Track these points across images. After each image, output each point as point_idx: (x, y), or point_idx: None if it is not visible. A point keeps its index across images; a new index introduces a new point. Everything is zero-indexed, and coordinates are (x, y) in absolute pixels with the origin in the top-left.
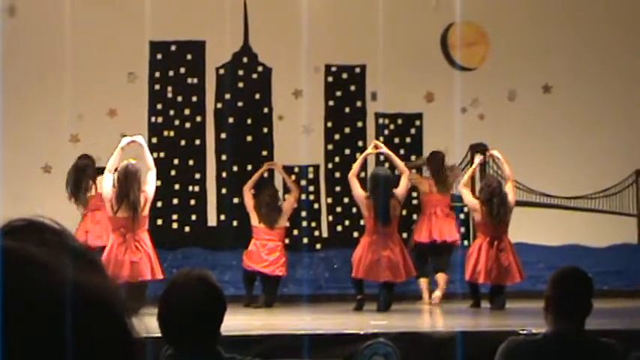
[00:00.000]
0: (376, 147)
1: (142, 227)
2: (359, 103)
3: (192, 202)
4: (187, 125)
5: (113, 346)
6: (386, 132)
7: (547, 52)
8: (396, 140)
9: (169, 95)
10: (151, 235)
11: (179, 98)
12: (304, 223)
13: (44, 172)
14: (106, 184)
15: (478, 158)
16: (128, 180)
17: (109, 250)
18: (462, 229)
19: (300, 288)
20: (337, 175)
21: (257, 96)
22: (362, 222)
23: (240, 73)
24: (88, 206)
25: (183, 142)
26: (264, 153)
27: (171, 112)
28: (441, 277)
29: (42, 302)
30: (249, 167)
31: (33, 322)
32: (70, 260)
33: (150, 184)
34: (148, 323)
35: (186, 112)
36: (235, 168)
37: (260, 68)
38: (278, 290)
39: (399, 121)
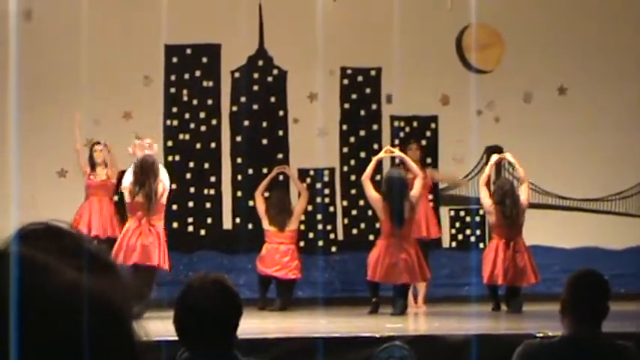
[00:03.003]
0: (388, 151)
1: (157, 214)
2: (374, 106)
3: (208, 205)
4: (203, 128)
5: (119, 349)
6: (401, 134)
7: (562, 53)
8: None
9: (185, 98)
10: (167, 227)
11: (194, 101)
12: (319, 226)
13: (60, 177)
14: (127, 175)
15: (493, 158)
16: (144, 170)
17: (124, 233)
18: (477, 232)
19: (316, 291)
20: (352, 177)
21: (272, 99)
22: (377, 225)
23: (256, 76)
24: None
25: (198, 145)
26: (280, 156)
27: (187, 116)
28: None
29: (53, 308)
30: (265, 170)
31: (44, 328)
32: (83, 264)
33: (166, 177)
34: (162, 326)
35: (202, 115)
36: (251, 171)
37: (275, 71)
38: (293, 293)
39: (415, 124)
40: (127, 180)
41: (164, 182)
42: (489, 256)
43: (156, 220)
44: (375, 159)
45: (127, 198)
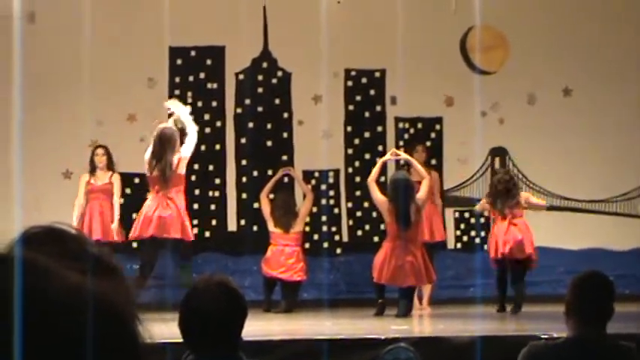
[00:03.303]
0: (394, 154)
1: (175, 186)
2: (379, 108)
3: (213, 207)
4: (207, 130)
5: (122, 352)
6: (406, 136)
7: (567, 55)
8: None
9: (189, 100)
10: (187, 198)
11: (199, 103)
12: (324, 228)
13: (64, 178)
14: (148, 149)
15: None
16: (162, 143)
17: (143, 207)
18: (482, 233)
19: (321, 293)
20: (357, 179)
21: (277, 101)
22: (382, 226)
23: (260, 78)
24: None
25: (203, 148)
26: (284, 158)
27: (191, 118)
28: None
29: (56, 311)
30: (269, 172)
31: (47, 331)
32: (87, 267)
33: (186, 145)
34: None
35: (206, 117)
36: (255, 173)
37: (280, 73)
38: (298, 295)
39: (419, 125)
40: (147, 154)
41: (182, 152)
42: (491, 233)
43: (174, 193)
44: (380, 161)
45: (147, 172)
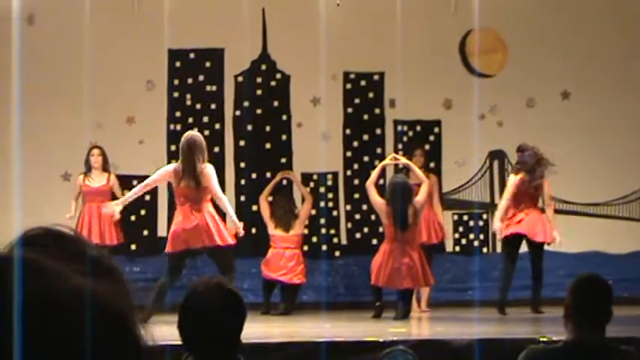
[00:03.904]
0: (394, 158)
1: (204, 199)
2: (377, 110)
3: None
4: (206, 133)
5: (123, 354)
6: (404, 139)
7: (566, 58)
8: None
9: (188, 103)
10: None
11: (198, 106)
12: (323, 231)
13: (64, 180)
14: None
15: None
16: (191, 150)
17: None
18: (481, 236)
19: (319, 295)
20: (356, 182)
21: (275, 103)
22: (381, 229)
23: (259, 80)
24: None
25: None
26: (283, 160)
27: (190, 120)
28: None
29: (57, 313)
30: (268, 174)
31: (48, 333)
32: (86, 269)
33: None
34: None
35: (205, 119)
36: (254, 175)
37: (278, 76)
38: (297, 298)
39: (418, 128)
40: (168, 166)
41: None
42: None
43: (204, 203)
44: (380, 165)
45: (174, 184)
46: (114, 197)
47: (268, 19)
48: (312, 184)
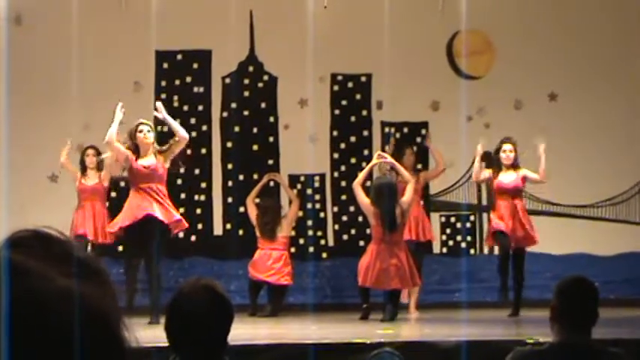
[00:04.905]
0: (380, 157)
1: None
2: (365, 112)
3: (198, 211)
4: (193, 134)
5: (109, 355)
6: (391, 140)
7: (553, 60)
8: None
9: (175, 104)
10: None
11: (185, 107)
12: (310, 232)
13: (51, 182)
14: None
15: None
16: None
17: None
18: (468, 238)
19: (306, 297)
20: (343, 183)
21: (263, 105)
22: (368, 231)
23: (246, 82)
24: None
25: (189, 151)
26: (270, 162)
27: (177, 121)
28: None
29: (43, 314)
30: (255, 176)
31: (34, 334)
32: (73, 270)
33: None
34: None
35: (192, 121)
36: (241, 177)
37: (266, 77)
38: (284, 299)
39: (405, 130)
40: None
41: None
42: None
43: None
44: (368, 166)
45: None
46: (108, 196)
47: (256, 20)
48: (299, 186)
